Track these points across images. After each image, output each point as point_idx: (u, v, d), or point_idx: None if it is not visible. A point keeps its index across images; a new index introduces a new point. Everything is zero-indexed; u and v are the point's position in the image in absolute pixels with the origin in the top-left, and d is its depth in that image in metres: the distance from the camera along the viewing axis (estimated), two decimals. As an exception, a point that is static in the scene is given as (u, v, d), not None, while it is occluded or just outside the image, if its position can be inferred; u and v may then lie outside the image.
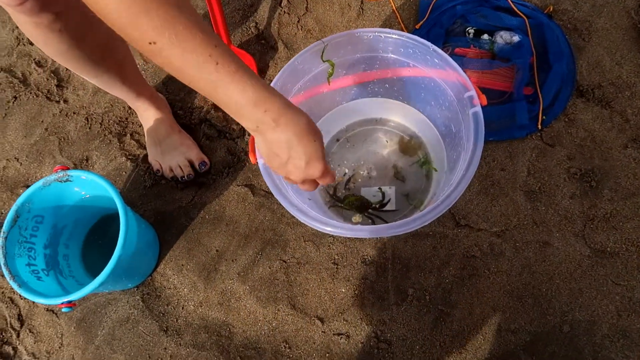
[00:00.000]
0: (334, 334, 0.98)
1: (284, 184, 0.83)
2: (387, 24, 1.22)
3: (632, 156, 1.02)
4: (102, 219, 1.08)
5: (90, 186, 0.95)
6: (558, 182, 1.02)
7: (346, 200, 1.01)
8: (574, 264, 0.96)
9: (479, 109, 0.78)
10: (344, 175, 1.07)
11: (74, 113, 1.24)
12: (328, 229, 0.74)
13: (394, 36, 0.84)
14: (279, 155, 0.63)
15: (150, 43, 0.49)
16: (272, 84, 0.85)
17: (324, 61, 0.89)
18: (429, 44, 0.82)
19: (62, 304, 0.84)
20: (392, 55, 0.89)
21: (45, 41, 0.78)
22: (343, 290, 1.00)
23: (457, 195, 0.73)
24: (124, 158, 1.17)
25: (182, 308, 1.03)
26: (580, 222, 0.99)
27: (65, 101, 1.25)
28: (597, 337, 0.92)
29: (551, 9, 1.15)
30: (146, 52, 0.51)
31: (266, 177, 0.79)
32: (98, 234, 1.08)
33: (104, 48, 0.88)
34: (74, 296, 0.84)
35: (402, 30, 1.19)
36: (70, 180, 0.93)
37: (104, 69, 0.92)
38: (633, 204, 0.99)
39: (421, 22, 1.17)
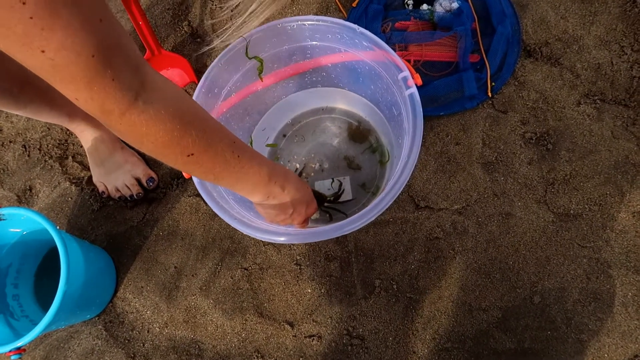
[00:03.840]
0: (305, 337, 0.95)
1: (224, 196, 0.79)
2: (324, 5, 1.16)
3: (586, 113, 0.99)
4: (51, 251, 1.03)
5: (28, 222, 0.90)
6: (514, 149, 0.99)
7: None
8: (539, 232, 0.94)
9: (414, 89, 0.74)
10: (295, 170, 1.02)
11: (10, 142, 1.17)
12: (281, 239, 0.71)
13: (317, 22, 0.79)
14: (285, 211, 0.72)
15: (189, 155, 0.53)
16: (197, 89, 0.80)
17: (249, 58, 0.84)
18: (354, 26, 0.77)
19: (10, 351, 0.80)
20: (320, 43, 0.84)
21: None
22: (309, 291, 0.97)
23: (400, 186, 0.70)
24: (67, 183, 1.11)
25: (148, 331, 1.00)
26: (541, 188, 0.97)
27: None
28: (569, 304, 0.90)
29: (489, -31, 1.10)
30: (184, 164, 0.54)
31: (204, 193, 0.75)
32: (49, 267, 1.03)
33: (21, 79, 0.83)
34: (23, 341, 0.80)
35: (340, 10, 1.14)
36: (3, 219, 0.87)
37: (27, 100, 0.87)
38: (591, 161, 0.96)
39: (357, 0, 1.11)
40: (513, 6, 1.07)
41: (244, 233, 0.72)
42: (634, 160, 0.95)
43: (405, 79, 0.75)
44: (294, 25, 0.80)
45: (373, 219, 0.70)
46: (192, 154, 0.53)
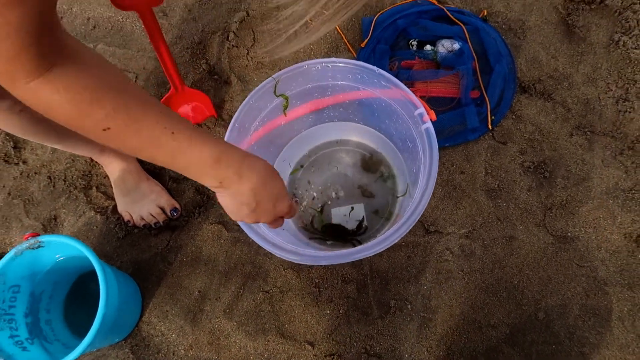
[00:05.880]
0: (325, 356, 1.00)
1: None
2: (334, 45, 1.26)
3: (578, 143, 1.09)
4: (80, 278, 1.08)
5: (63, 248, 0.95)
6: (514, 177, 1.08)
7: (323, 230, 1.04)
8: (540, 253, 1.02)
9: (429, 124, 0.82)
10: (313, 199, 1.10)
11: (35, 173, 1.22)
12: (296, 259, 0.76)
13: (340, 64, 0.88)
14: (247, 204, 0.64)
15: (104, 130, 0.50)
16: (230, 124, 0.88)
17: (277, 96, 0.92)
18: (374, 68, 0.86)
19: (51, 373, 0.84)
20: (341, 82, 0.93)
21: (6, 122, 0.79)
22: (328, 312, 1.03)
23: (420, 211, 0.77)
24: (92, 212, 1.16)
25: (173, 354, 1.04)
26: (540, 213, 1.05)
27: (25, 162, 1.24)
28: (570, 319, 0.97)
29: (485, 13, 1.21)
30: (100, 138, 0.52)
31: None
32: (78, 294, 1.07)
33: None
34: (64, 362, 0.84)
35: (349, 50, 1.24)
36: (42, 246, 0.92)
37: (68, 136, 0.93)
38: (585, 188, 1.05)
39: (365, 41, 1.21)
40: (508, 47, 1.17)
41: (267, 250, 0.77)
42: (623, 186, 1.04)
43: (421, 115, 0.83)
44: (319, 67, 0.89)
45: (392, 244, 0.76)
46: (109, 128, 0.51)
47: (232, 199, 0.64)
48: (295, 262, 0.78)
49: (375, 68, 0.86)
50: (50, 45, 0.45)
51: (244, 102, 0.88)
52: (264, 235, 0.81)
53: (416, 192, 0.83)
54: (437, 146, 0.80)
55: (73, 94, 0.47)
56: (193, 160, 0.57)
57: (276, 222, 0.72)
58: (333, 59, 0.88)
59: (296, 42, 0.54)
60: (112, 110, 0.50)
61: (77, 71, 0.48)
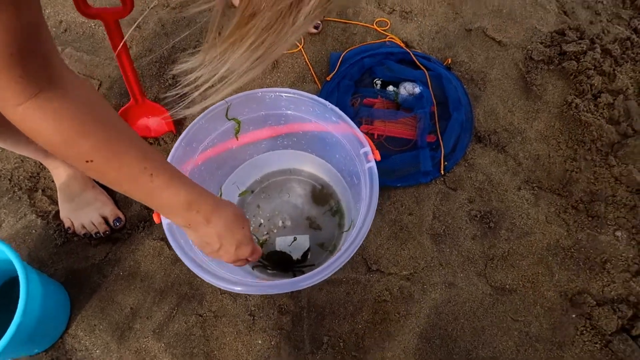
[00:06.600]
0: (251, 387, 0.98)
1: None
2: (301, 76, 1.27)
3: (525, 197, 1.11)
4: (8, 282, 1.04)
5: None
6: (460, 224, 1.09)
7: (267, 257, 1.03)
8: (477, 303, 1.02)
9: (373, 164, 0.83)
10: (260, 225, 1.09)
11: (-19, 169, 1.19)
12: (237, 289, 0.75)
13: (293, 95, 0.89)
14: (210, 244, 0.69)
15: (87, 161, 0.52)
16: (177, 143, 0.87)
17: (228, 119, 0.92)
18: (326, 102, 0.87)
19: (-46, 380, 0.80)
20: (294, 113, 0.93)
21: None
22: (260, 342, 1.01)
23: (354, 248, 0.77)
24: (34, 215, 1.13)
25: (95, 371, 1.00)
26: (482, 262, 1.06)
27: (-28, 157, 1.21)
28: (500, 373, 0.97)
29: (449, 61, 1.24)
30: (81, 168, 0.53)
31: (171, 239, 0.80)
32: (4, 298, 1.03)
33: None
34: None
35: (316, 82, 1.25)
36: (-34, 247, 0.89)
37: (6, 134, 0.91)
38: (527, 242, 1.07)
39: (331, 75, 1.22)
40: (468, 96, 1.20)
41: (201, 277, 0.76)
42: (563, 244, 1.06)
43: (366, 154, 0.84)
44: (272, 95, 0.89)
45: (327, 277, 0.76)
46: (91, 161, 0.52)
47: (198, 238, 0.69)
48: (223, 288, 0.76)
49: (327, 103, 0.87)
50: (38, 68, 0.46)
51: (193, 122, 0.88)
52: (197, 260, 0.79)
53: (355, 227, 0.83)
54: (378, 186, 0.81)
55: (61, 123, 0.49)
56: (167, 202, 0.61)
57: (238, 262, 0.76)
58: (287, 89, 0.89)
59: (201, 103, 0.57)
60: (97, 143, 0.51)
61: (67, 100, 0.49)
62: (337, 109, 0.87)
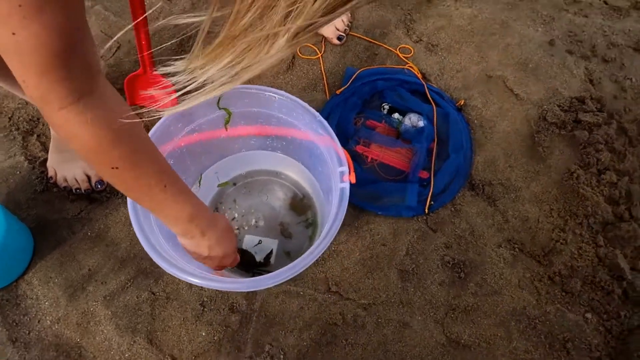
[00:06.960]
0: (182, 376, 0.97)
1: (154, 229, 0.83)
2: (313, 83, 1.27)
3: (503, 256, 1.08)
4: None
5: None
6: (431, 267, 1.06)
7: None
8: (427, 350, 0.99)
9: (347, 185, 0.82)
10: (233, 219, 1.08)
11: (-14, 102, 1.22)
12: (195, 280, 0.74)
13: (285, 99, 0.88)
14: (200, 253, 0.75)
15: (113, 168, 0.56)
16: (160, 120, 0.87)
17: (219, 108, 0.92)
18: (315, 113, 0.86)
19: None
20: (284, 117, 0.92)
21: None
22: (203, 334, 1.00)
23: (305, 264, 0.76)
24: (22, 157, 1.15)
25: (38, 321, 1.01)
26: (443, 310, 1.03)
27: (-19, 89, 1.24)
28: None
29: (462, 103, 1.22)
30: (104, 172, 0.57)
31: (134, 222, 0.79)
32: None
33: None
34: None
35: (325, 92, 1.24)
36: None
37: (6, 73, 0.92)
38: (493, 301, 1.04)
39: (342, 89, 1.22)
40: (472, 141, 1.18)
41: (158, 264, 0.76)
42: (530, 313, 1.02)
43: (342, 173, 0.83)
44: (266, 95, 0.89)
45: (281, 282, 0.75)
46: (117, 168, 0.56)
47: (190, 245, 0.74)
48: (173, 275, 0.76)
49: (316, 113, 0.86)
50: (81, 72, 0.47)
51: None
52: (157, 247, 0.79)
53: (314, 243, 0.82)
54: (345, 208, 0.79)
55: (99, 130, 0.52)
56: (173, 214, 0.66)
57: (218, 268, 0.83)
58: (282, 91, 0.88)
59: (172, 108, 0.55)
60: (125, 152, 0.55)
61: (105, 108, 0.52)
62: (324, 122, 0.86)
